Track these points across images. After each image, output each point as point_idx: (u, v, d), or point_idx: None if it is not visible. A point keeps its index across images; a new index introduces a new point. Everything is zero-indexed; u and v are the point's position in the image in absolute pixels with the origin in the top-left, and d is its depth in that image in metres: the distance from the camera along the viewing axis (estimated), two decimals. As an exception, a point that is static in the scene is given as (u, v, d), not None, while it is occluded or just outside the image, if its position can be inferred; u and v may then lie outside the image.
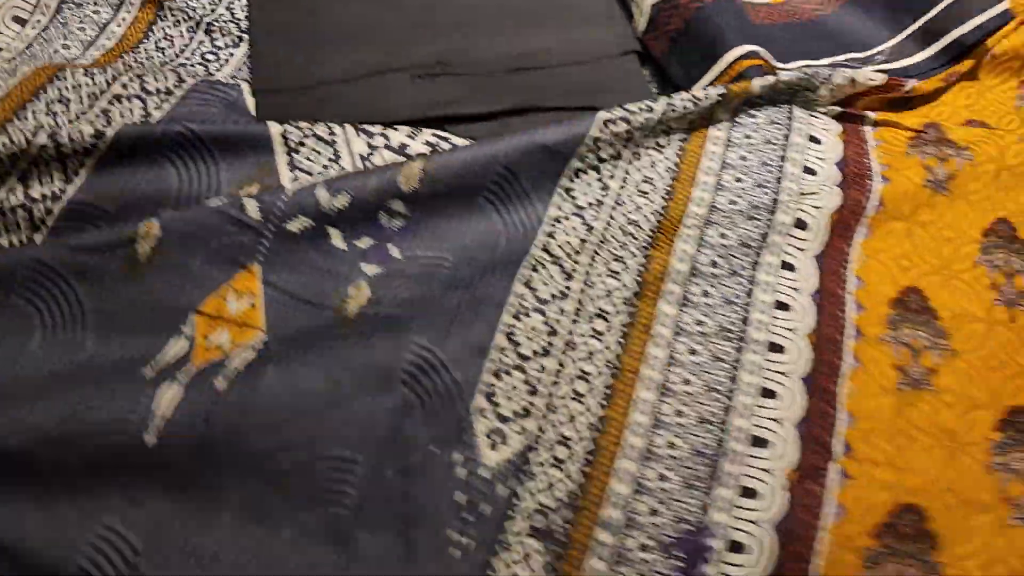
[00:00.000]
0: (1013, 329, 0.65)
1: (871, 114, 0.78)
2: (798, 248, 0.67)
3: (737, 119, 0.75)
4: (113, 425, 0.54)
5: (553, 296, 0.65)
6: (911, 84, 0.80)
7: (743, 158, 0.73)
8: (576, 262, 0.66)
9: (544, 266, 0.66)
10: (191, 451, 0.55)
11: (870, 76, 0.77)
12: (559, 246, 0.67)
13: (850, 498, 0.56)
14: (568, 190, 0.69)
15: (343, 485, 0.55)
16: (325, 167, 0.70)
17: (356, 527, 0.54)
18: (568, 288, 0.65)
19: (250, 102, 0.76)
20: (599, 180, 0.70)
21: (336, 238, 0.62)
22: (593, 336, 0.63)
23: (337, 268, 0.62)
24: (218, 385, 0.57)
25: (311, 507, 0.54)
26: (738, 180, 0.71)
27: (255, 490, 0.54)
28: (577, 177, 0.70)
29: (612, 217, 0.69)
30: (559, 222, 0.68)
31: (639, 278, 0.66)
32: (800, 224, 0.68)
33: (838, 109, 0.78)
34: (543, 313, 0.64)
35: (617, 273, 0.66)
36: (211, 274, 0.60)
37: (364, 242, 0.63)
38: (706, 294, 0.65)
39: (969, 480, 0.57)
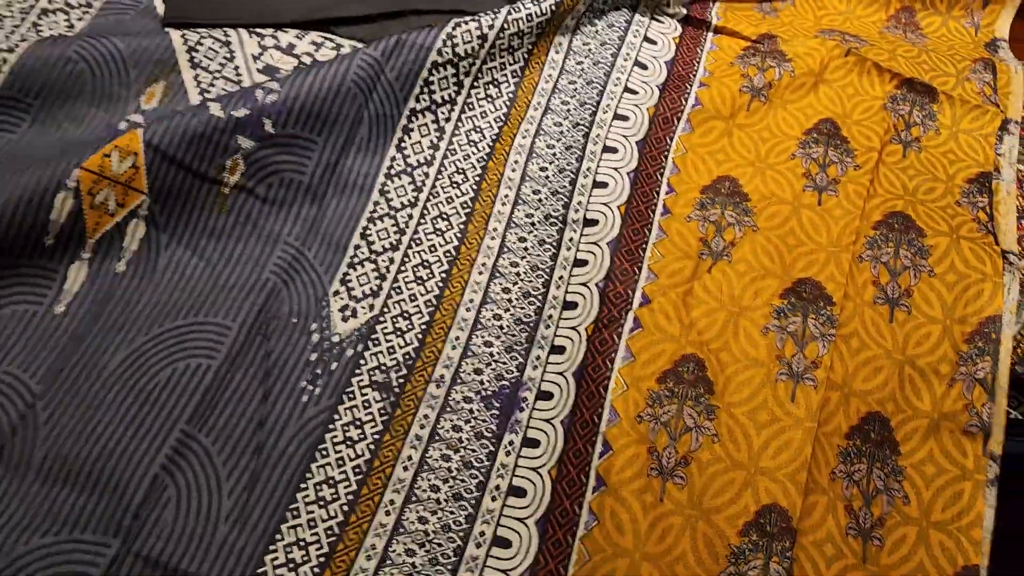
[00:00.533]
0: (817, 212, 0.73)
1: (712, 18, 0.86)
2: (622, 134, 0.76)
3: (579, 27, 0.83)
4: (27, 296, 0.65)
5: (404, 204, 0.74)
6: None
7: (579, 63, 0.81)
8: (426, 174, 0.76)
9: (397, 177, 0.75)
10: (91, 318, 0.66)
11: None
12: (412, 153, 0.76)
13: (640, 346, 0.66)
14: (414, 111, 0.78)
15: (218, 344, 0.65)
16: (221, 64, 0.79)
17: (226, 375, 0.64)
18: (416, 197, 0.75)
19: (160, 8, 0.86)
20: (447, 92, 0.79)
21: (215, 109, 0.71)
22: (435, 233, 0.73)
23: (215, 137, 0.70)
24: (118, 268, 0.68)
25: (187, 359, 0.64)
26: (571, 83, 0.80)
27: (139, 345, 0.65)
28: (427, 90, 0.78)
29: (457, 128, 0.78)
30: (409, 133, 0.77)
31: (476, 185, 0.75)
32: (621, 116, 0.77)
33: (684, 12, 0.86)
34: (394, 218, 0.74)
35: (459, 183, 0.75)
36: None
37: (240, 112, 0.71)
38: (536, 192, 0.75)
39: (744, 339, 0.67)
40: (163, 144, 0.70)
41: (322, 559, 0.58)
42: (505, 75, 0.80)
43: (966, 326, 0.67)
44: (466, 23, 0.78)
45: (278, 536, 0.59)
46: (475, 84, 0.79)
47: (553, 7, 0.81)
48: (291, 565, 0.58)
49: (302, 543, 0.59)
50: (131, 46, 0.79)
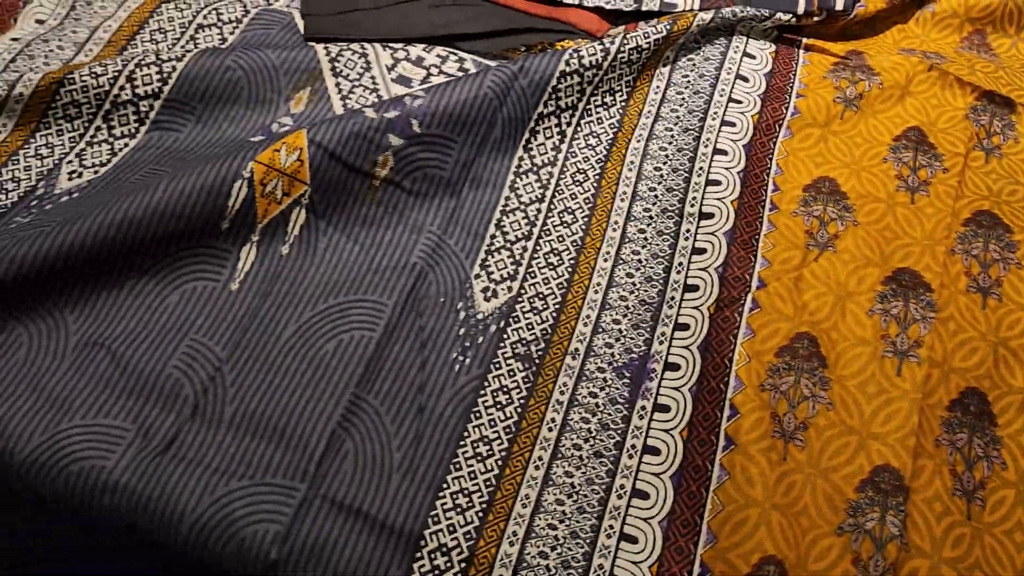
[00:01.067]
0: (911, 209, 0.81)
1: (804, 39, 0.94)
2: (730, 138, 0.84)
3: (685, 45, 0.92)
4: (207, 274, 0.74)
5: (532, 199, 0.82)
6: (856, 10, 0.96)
7: (684, 76, 0.90)
8: (550, 173, 0.84)
9: (525, 175, 0.84)
10: (262, 295, 0.74)
11: (813, 15, 0.94)
12: (538, 153, 0.85)
13: (758, 324, 0.73)
14: (541, 115, 0.86)
15: (377, 319, 0.73)
16: (360, 73, 0.88)
17: (386, 346, 0.72)
18: (543, 193, 0.83)
19: (300, 24, 0.95)
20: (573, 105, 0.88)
21: (369, 112, 0.80)
22: (562, 225, 0.81)
23: (369, 135, 0.79)
24: (283, 251, 0.76)
25: (351, 331, 0.72)
26: (679, 93, 0.89)
27: (307, 319, 0.73)
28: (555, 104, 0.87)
29: (576, 132, 0.86)
30: (535, 135, 0.85)
31: (596, 184, 0.83)
32: (728, 123, 0.85)
33: (776, 32, 0.94)
34: (524, 211, 0.82)
35: (580, 182, 0.84)
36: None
37: (391, 113, 0.79)
38: (652, 189, 0.83)
39: (852, 321, 0.74)
40: (324, 141, 0.78)
41: (484, 505, 0.65)
42: (620, 85, 0.89)
43: (1054, 311, 0.74)
44: (591, 44, 0.87)
45: (444, 485, 0.66)
46: (594, 93, 0.88)
47: (669, 28, 0.89)
48: (458, 509, 0.65)
49: (466, 492, 0.66)
50: (280, 57, 0.88)
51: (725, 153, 0.84)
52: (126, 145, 0.84)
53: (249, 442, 0.67)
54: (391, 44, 0.93)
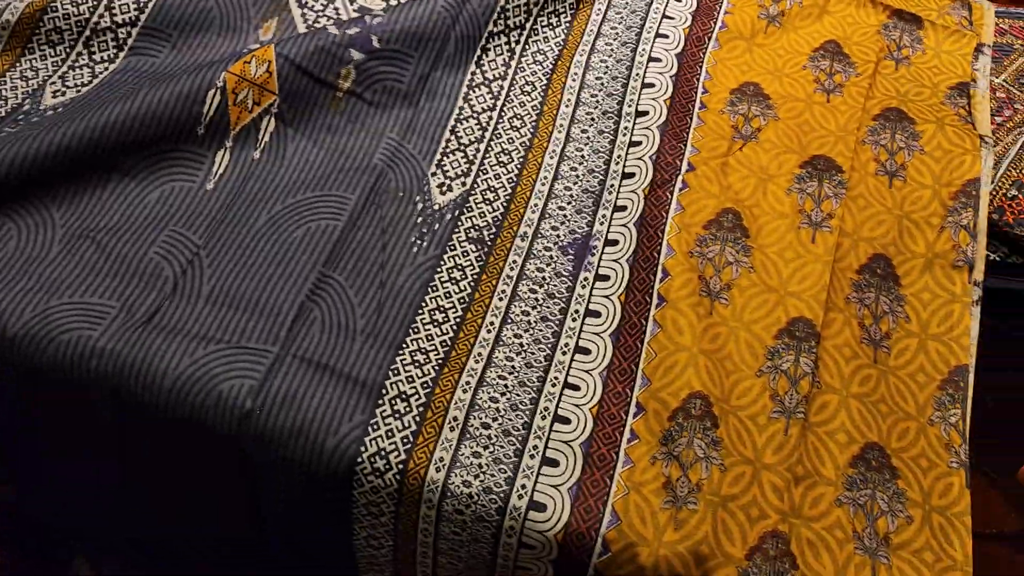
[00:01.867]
0: (827, 107, 0.89)
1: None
2: (663, 48, 0.92)
3: None
4: (184, 174, 0.80)
5: (484, 108, 0.90)
6: None
7: (626, 3, 0.98)
8: (501, 87, 0.91)
9: (478, 88, 0.91)
10: (235, 193, 0.81)
11: None
12: (489, 69, 0.92)
13: (688, 201, 0.81)
14: (492, 33, 0.94)
15: (342, 209, 0.80)
16: (324, 4, 0.95)
17: (350, 232, 0.79)
18: (494, 103, 0.90)
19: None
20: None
21: (332, 29, 0.87)
22: (512, 129, 0.88)
23: (332, 50, 0.86)
24: (255, 155, 0.83)
25: (318, 220, 0.79)
26: (617, 13, 0.97)
27: (278, 211, 0.80)
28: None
29: (525, 49, 0.94)
30: (487, 52, 0.93)
31: (543, 93, 0.91)
32: (662, 35, 0.93)
33: None
34: (477, 119, 0.89)
35: (528, 92, 0.91)
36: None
37: (352, 30, 0.87)
38: (593, 96, 0.90)
39: (772, 198, 0.82)
40: (291, 54, 0.85)
41: (440, 361, 0.72)
42: (564, 7, 0.97)
43: (952, 187, 0.82)
44: None
45: (403, 346, 0.73)
46: (540, 13, 0.95)
47: None
48: (416, 364, 0.72)
49: (423, 351, 0.73)
50: None
51: (659, 60, 0.91)
52: (106, 69, 0.90)
53: (226, 312, 0.74)
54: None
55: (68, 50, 0.90)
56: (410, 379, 0.71)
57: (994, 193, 0.81)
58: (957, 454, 0.70)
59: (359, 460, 0.67)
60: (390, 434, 0.68)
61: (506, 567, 0.67)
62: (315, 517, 0.72)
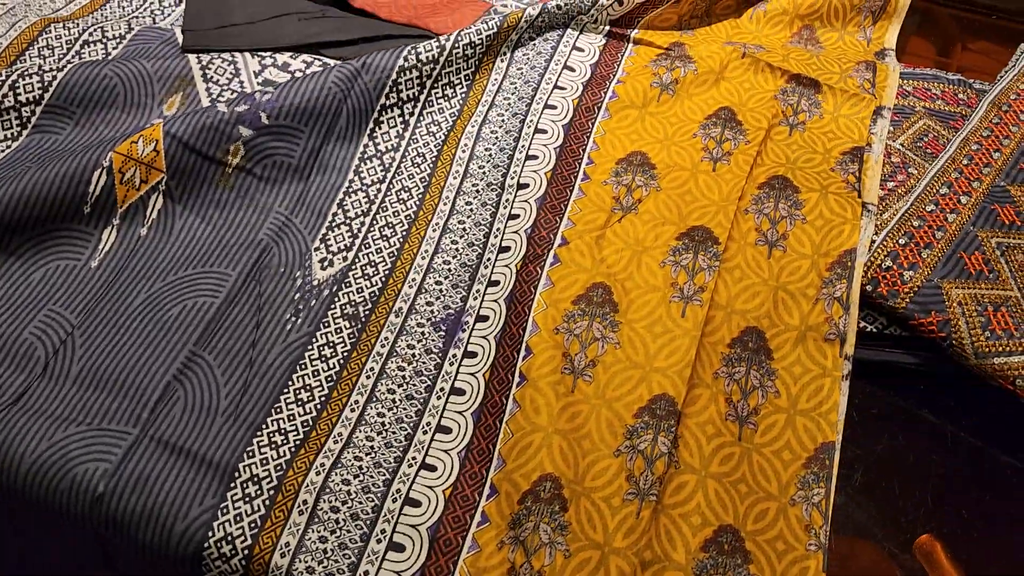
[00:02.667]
0: (712, 176, 0.89)
1: (632, 33, 1.03)
2: (551, 119, 0.93)
3: (520, 41, 1.01)
4: (69, 253, 0.82)
5: (374, 181, 0.91)
6: None
7: (519, 68, 0.99)
8: (393, 158, 0.92)
9: (369, 160, 0.92)
10: (119, 270, 0.82)
11: None
12: (382, 140, 0.93)
13: (558, 276, 0.81)
14: (384, 107, 0.95)
15: (220, 287, 0.81)
16: (229, 79, 0.97)
17: (226, 310, 0.80)
18: (384, 175, 0.91)
19: (180, 39, 1.04)
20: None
21: (221, 107, 0.88)
22: (399, 201, 0.89)
23: (221, 127, 0.88)
24: (142, 232, 0.85)
25: (195, 297, 0.80)
26: (512, 83, 0.97)
27: (157, 288, 0.81)
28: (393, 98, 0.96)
29: (419, 120, 0.95)
30: (380, 125, 0.94)
31: (432, 164, 0.92)
32: (551, 106, 0.94)
33: (608, 28, 1.03)
34: (366, 192, 0.90)
35: (419, 163, 0.92)
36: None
37: (241, 107, 0.88)
38: (480, 167, 0.91)
39: (646, 271, 0.82)
40: (178, 132, 0.87)
41: (298, 442, 0.72)
42: (459, 79, 0.98)
43: (829, 258, 0.82)
44: (428, 42, 0.96)
45: (263, 427, 0.73)
46: (435, 86, 0.97)
47: (498, 25, 0.98)
48: (273, 446, 0.72)
49: (283, 431, 0.73)
50: (156, 66, 0.97)
51: (545, 132, 0.92)
52: (8, 147, 0.93)
53: (91, 394, 0.75)
54: (260, 52, 1.03)
55: (-28, 130, 0.93)
56: (264, 461, 0.71)
57: (870, 263, 0.80)
58: (817, 536, 0.68)
59: (206, 545, 0.67)
60: (239, 518, 0.68)
61: (350, 652, 0.67)
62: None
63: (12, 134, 0.94)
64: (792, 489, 0.71)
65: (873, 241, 0.83)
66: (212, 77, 0.99)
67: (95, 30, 1.05)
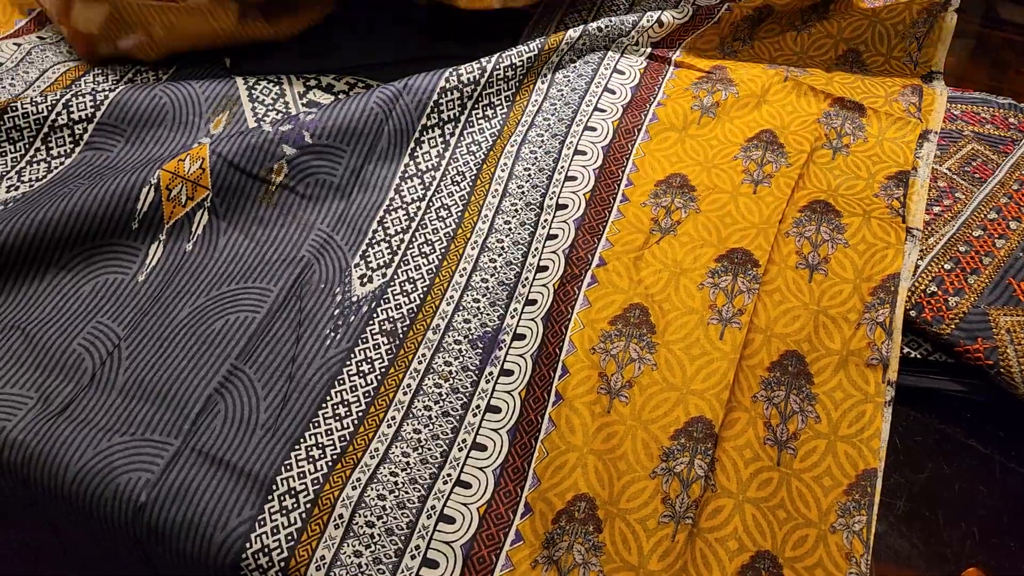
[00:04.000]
0: (752, 199, 0.88)
1: (673, 55, 1.03)
2: (590, 141, 0.93)
3: (561, 63, 1.02)
4: (117, 267, 0.84)
5: (414, 199, 0.92)
6: (719, 13, 1.05)
7: (559, 90, 0.99)
8: (433, 177, 0.94)
9: (410, 179, 0.93)
10: (164, 284, 0.84)
11: (675, 15, 1.03)
12: (423, 160, 0.94)
13: (595, 296, 0.81)
14: (425, 127, 0.96)
15: (262, 302, 0.83)
16: (274, 99, 0.99)
17: (267, 325, 0.81)
18: (424, 194, 0.92)
19: (227, 61, 1.07)
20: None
21: (266, 126, 0.90)
22: (438, 219, 0.90)
23: (265, 146, 0.89)
24: (187, 248, 0.87)
25: (237, 312, 0.82)
26: (552, 104, 0.98)
27: (201, 303, 0.83)
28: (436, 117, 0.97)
29: (459, 141, 0.96)
30: (421, 145, 0.95)
31: (472, 183, 0.92)
32: (591, 128, 0.94)
33: (649, 50, 1.04)
34: (406, 210, 0.91)
35: (458, 182, 0.93)
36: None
37: (285, 127, 0.90)
38: (519, 187, 0.92)
39: (684, 293, 0.81)
40: (224, 151, 0.89)
41: (335, 456, 0.73)
42: (500, 100, 0.99)
43: (872, 283, 0.80)
44: (470, 64, 0.97)
45: (301, 440, 0.74)
46: (475, 107, 0.98)
47: (540, 48, 0.99)
48: (310, 459, 0.73)
49: (320, 445, 0.74)
50: (203, 87, 1.00)
51: (585, 153, 0.93)
52: (62, 163, 0.96)
53: (136, 405, 0.76)
54: (305, 75, 1.05)
55: (27, 147, 0.96)
56: (301, 475, 0.72)
57: (913, 289, 0.79)
58: (858, 564, 0.67)
59: (244, 556, 0.68)
60: (275, 531, 0.69)
61: (384, 669, 0.67)
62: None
63: (65, 151, 0.96)
64: (832, 516, 0.69)
65: (917, 266, 0.81)
66: (258, 97, 1.02)
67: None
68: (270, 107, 1.01)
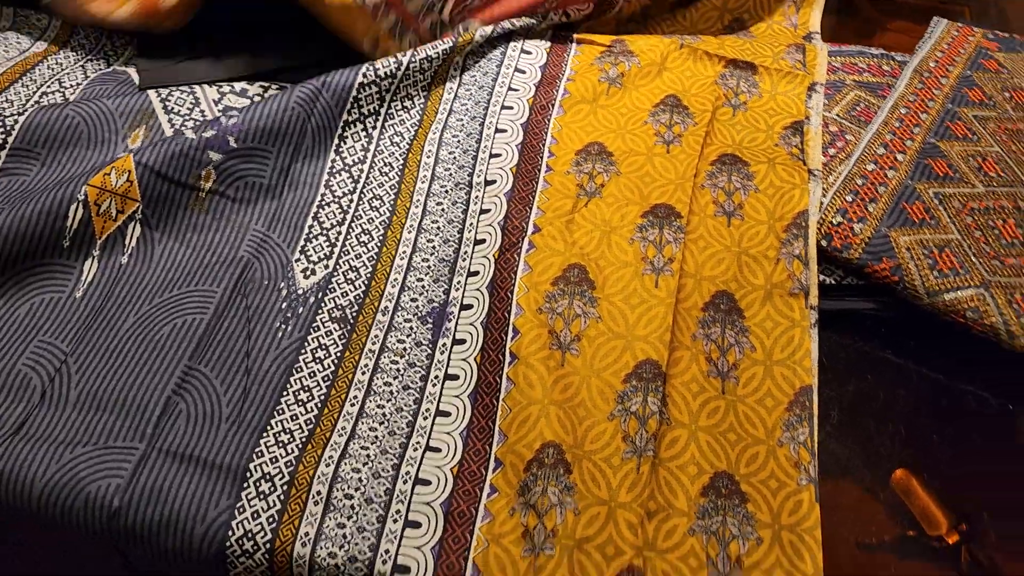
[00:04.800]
0: (666, 158, 0.94)
1: (576, 35, 1.09)
2: (508, 119, 0.98)
3: (472, 52, 1.06)
4: (52, 286, 0.83)
5: (344, 193, 0.94)
6: (620, 4, 1.11)
7: (472, 75, 1.03)
8: (361, 170, 0.96)
9: (338, 174, 0.95)
10: (104, 298, 0.84)
11: (579, 7, 1.09)
12: (348, 154, 0.97)
13: (534, 260, 0.85)
14: (347, 122, 0.99)
15: (207, 304, 0.83)
16: (190, 108, 1.00)
17: (216, 324, 0.82)
18: (355, 187, 0.94)
19: (136, 78, 1.06)
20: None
21: (189, 133, 0.91)
22: (371, 209, 0.92)
23: (191, 153, 0.90)
24: (123, 260, 0.86)
25: (184, 316, 0.82)
26: (467, 90, 1.02)
27: (145, 311, 0.83)
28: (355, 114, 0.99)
29: (382, 132, 0.99)
30: (344, 140, 0.98)
31: (400, 172, 0.95)
32: (507, 107, 0.99)
33: (551, 32, 1.09)
34: (339, 203, 0.93)
35: (386, 172, 0.96)
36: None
37: (209, 133, 0.91)
38: (446, 170, 0.95)
39: (617, 249, 0.86)
40: (150, 162, 0.89)
41: (304, 439, 0.75)
42: (417, 91, 1.02)
43: (784, 221, 0.87)
44: (385, 59, 1.00)
45: (268, 427, 0.75)
46: (394, 99, 1.01)
47: (454, 42, 1.03)
48: (280, 445, 0.74)
49: (288, 431, 0.75)
50: (116, 103, 0.99)
51: (505, 131, 0.97)
52: (-24, 192, 0.94)
53: (93, 415, 0.76)
54: (217, 82, 1.05)
55: (-61, 178, 0.94)
56: (274, 459, 0.73)
57: (821, 221, 0.86)
58: (806, 471, 0.73)
59: (228, 544, 0.69)
60: (256, 515, 0.70)
61: (382, 630, 0.69)
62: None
63: (-21, 180, 0.94)
64: (778, 432, 0.75)
65: (822, 203, 0.88)
66: (173, 108, 1.02)
67: (52, 82, 1.06)
68: (187, 117, 1.01)
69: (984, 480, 0.78)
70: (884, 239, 0.83)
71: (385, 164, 0.96)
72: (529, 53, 1.06)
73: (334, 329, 0.83)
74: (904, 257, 0.82)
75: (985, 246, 0.82)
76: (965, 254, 0.82)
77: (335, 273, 0.87)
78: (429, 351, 0.81)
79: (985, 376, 0.82)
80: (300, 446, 0.74)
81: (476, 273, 0.85)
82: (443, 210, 0.92)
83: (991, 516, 0.75)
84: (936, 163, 0.90)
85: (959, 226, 0.84)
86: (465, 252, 0.87)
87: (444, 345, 0.81)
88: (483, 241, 0.88)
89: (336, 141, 0.97)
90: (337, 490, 0.72)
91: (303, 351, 0.81)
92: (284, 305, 0.84)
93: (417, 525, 0.70)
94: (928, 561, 0.73)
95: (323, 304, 0.85)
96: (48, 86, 1.07)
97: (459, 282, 0.85)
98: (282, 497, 0.71)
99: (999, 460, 0.80)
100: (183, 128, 1.00)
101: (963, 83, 1.00)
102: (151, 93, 1.02)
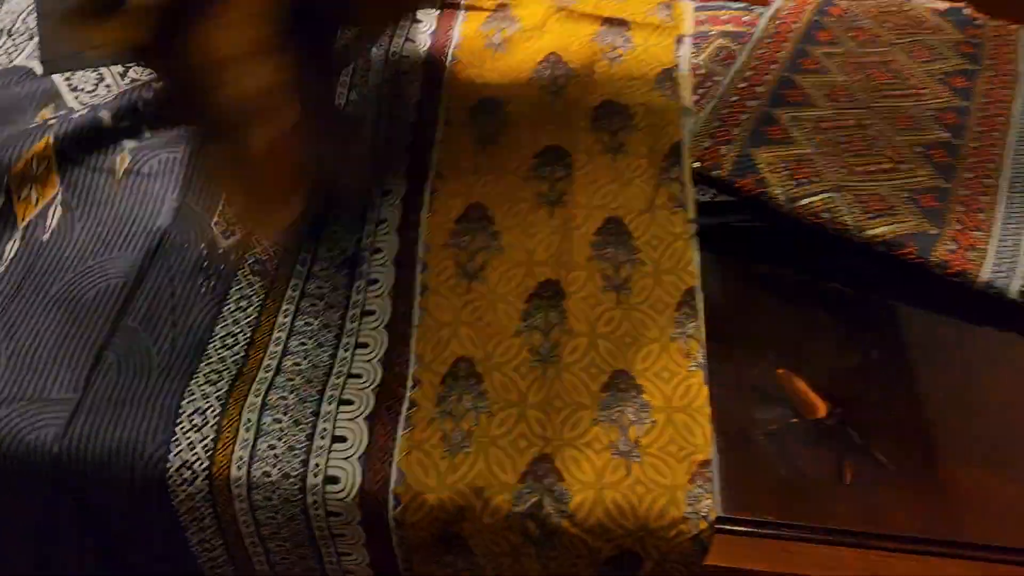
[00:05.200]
0: (552, 107, 1.02)
1: (463, 1, 1.17)
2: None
3: None
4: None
5: None
6: None
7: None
8: None
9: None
10: (26, 270, 0.88)
11: None
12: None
13: (438, 204, 0.92)
14: None
15: (131, 267, 0.88)
16: (95, 84, 1.04)
17: (138, 285, 0.86)
18: None
19: (38, 69, 1.10)
20: None
21: (105, 118, 0.95)
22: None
23: (106, 143, 0.95)
24: (44, 238, 0.90)
25: (107, 280, 0.86)
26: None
27: (69, 278, 0.87)
28: None
29: None
30: None
31: None
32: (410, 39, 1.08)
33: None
34: None
35: None
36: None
37: (125, 123, 0.96)
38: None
39: (513, 187, 0.94)
40: (67, 150, 0.93)
41: (232, 377, 0.80)
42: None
43: (662, 152, 0.96)
44: None
45: (198, 371, 0.80)
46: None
47: None
48: (210, 383, 0.79)
49: (216, 371, 0.80)
50: (23, 87, 1.03)
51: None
52: None
53: (24, 375, 0.80)
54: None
55: None
56: (205, 395, 0.78)
57: (694, 147, 0.96)
58: (695, 359, 0.81)
59: (169, 475, 0.74)
60: (191, 446, 0.75)
61: (324, 536, 0.75)
62: (149, 535, 0.78)
63: None
64: (670, 329, 0.83)
65: (694, 132, 0.98)
66: (78, 85, 1.06)
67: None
68: (92, 94, 1.05)
69: (853, 370, 0.88)
70: (747, 157, 0.93)
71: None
72: (419, 21, 1.13)
73: (255, 280, 0.88)
74: (766, 171, 0.92)
75: (834, 158, 0.93)
76: (817, 166, 0.92)
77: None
78: (347, 292, 0.87)
79: (845, 272, 0.92)
80: (229, 383, 0.79)
81: (384, 221, 0.92)
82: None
83: (861, 401, 0.84)
84: (790, 92, 1.00)
85: (812, 143, 0.94)
86: (373, 203, 0.94)
87: (359, 286, 0.87)
88: (389, 192, 0.94)
89: None
90: (267, 416, 0.77)
91: (227, 302, 0.86)
92: (205, 264, 0.89)
93: (343, 439, 0.76)
94: (812, 443, 0.81)
95: (244, 260, 0.90)
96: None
97: (369, 230, 0.92)
98: (215, 427, 0.76)
99: (864, 348, 0.90)
100: (90, 103, 1.03)
101: (813, 28, 1.12)
102: (55, 76, 1.06)
